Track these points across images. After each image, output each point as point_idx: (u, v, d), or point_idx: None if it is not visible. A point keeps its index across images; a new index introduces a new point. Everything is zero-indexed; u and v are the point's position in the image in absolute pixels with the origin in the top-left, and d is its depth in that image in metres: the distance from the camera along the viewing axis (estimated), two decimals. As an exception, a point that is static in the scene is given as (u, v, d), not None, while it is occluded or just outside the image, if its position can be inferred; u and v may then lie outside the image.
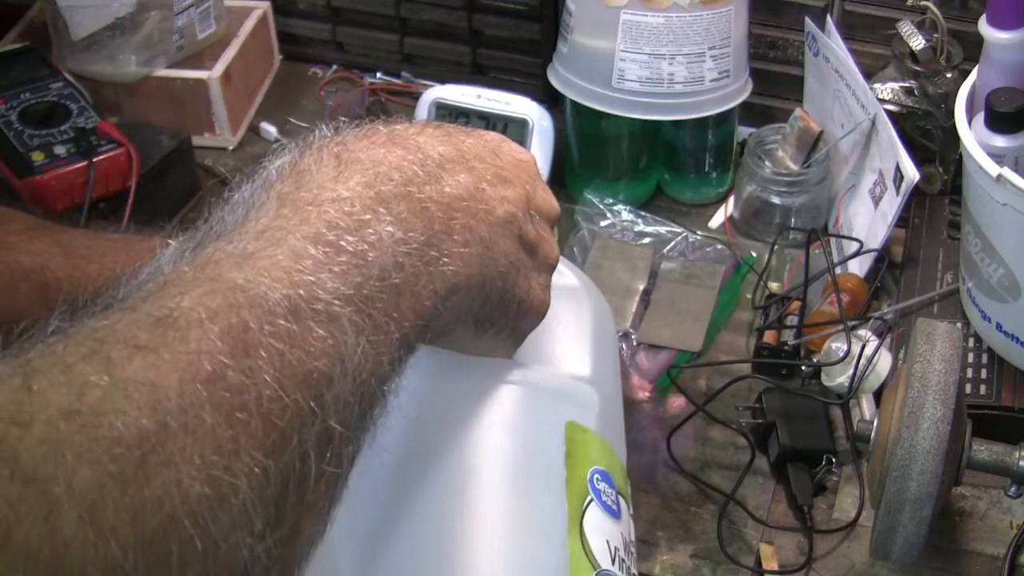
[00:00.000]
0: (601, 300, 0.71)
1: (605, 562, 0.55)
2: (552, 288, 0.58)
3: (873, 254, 0.94)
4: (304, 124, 1.16)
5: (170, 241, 0.73)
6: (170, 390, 0.36)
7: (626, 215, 1.02)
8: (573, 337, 0.65)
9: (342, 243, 0.43)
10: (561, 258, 0.64)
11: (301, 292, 0.41)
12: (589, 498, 0.57)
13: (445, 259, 0.47)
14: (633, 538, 0.62)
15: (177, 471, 0.35)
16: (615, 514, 0.58)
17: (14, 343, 0.37)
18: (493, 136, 0.55)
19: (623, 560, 0.57)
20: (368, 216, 0.45)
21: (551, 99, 1.07)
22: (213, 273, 0.40)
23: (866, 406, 0.86)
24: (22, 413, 0.34)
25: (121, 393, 0.35)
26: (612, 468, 0.60)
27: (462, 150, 0.52)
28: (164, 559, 0.34)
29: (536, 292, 0.56)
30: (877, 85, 0.97)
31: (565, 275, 0.69)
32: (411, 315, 0.45)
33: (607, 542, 0.56)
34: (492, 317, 0.54)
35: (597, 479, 0.58)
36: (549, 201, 0.57)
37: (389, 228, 0.45)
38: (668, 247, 0.99)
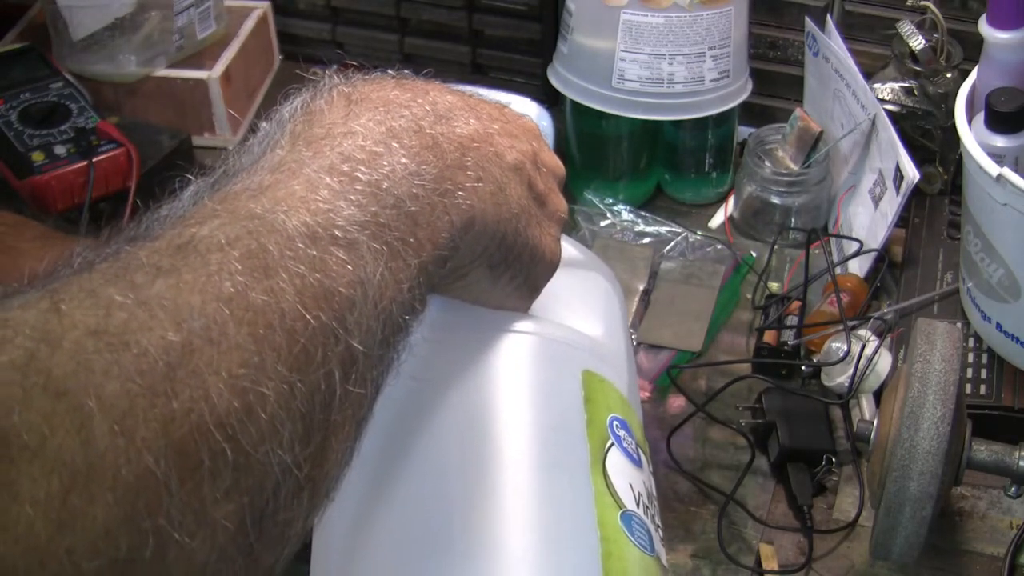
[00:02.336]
0: (609, 272, 0.71)
1: (630, 503, 0.55)
2: (563, 255, 0.59)
3: (873, 254, 0.94)
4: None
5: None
6: (193, 308, 0.36)
7: (626, 215, 1.02)
8: (584, 303, 0.65)
9: (357, 173, 0.44)
10: (565, 236, 0.64)
11: (319, 219, 0.41)
12: (610, 442, 0.56)
13: (460, 192, 0.48)
14: (655, 492, 0.61)
15: (204, 383, 0.35)
16: (636, 462, 0.58)
17: (41, 278, 0.38)
18: (497, 101, 0.56)
19: (647, 507, 0.57)
20: (381, 149, 0.45)
21: (551, 99, 1.07)
22: (231, 205, 0.41)
23: (866, 406, 0.86)
24: (51, 332, 0.34)
25: (146, 312, 0.36)
26: (630, 420, 0.60)
27: (469, 102, 0.53)
28: (195, 468, 0.35)
29: (548, 241, 0.56)
30: (877, 85, 0.97)
31: (570, 250, 0.68)
32: (428, 245, 0.46)
33: (630, 485, 0.56)
34: (507, 259, 0.54)
35: (617, 426, 0.57)
36: (555, 160, 0.58)
37: (403, 160, 0.46)
38: (668, 247, 0.99)
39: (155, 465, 0.34)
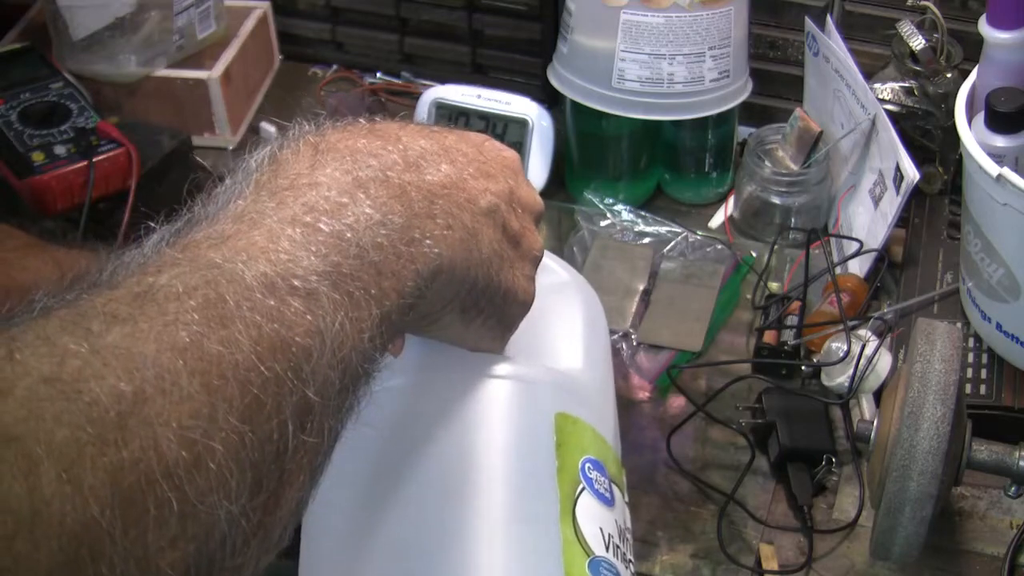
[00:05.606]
0: (592, 294, 0.71)
1: (599, 549, 0.56)
2: (541, 284, 0.59)
3: (873, 254, 0.94)
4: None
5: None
6: (147, 357, 0.37)
7: (626, 215, 1.02)
8: (563, 331, 0.66)
9: (320, 224, 0.44)
10: (551, 255, 0.64)
11: (278, 269, 0.41)
12: (581, 487, 0.57)
13: (427, 241, 0.48)
14: (629, 525, 0.62)
15: (154, 433, 0.36)
16: (608, 502, 0.59)
17: (2, 320, 0.38)
18: (476, 135, 0.56)
19: (617, 546, 0.58)
20: (345, 200, 0.45)
21: (551, 99, 1.07)
22: (192, 254, 0.41)
23: (866, 406, 0.86)
24: (4, 380, 0.35)
25: (100, 360, 0.36)
26: (604, 457, 0.61)
27: (444, 144, 0.52)
28: (141, 517, 0.35)
29: (521, 282, 0.56)
30: (877, 85, 0.97)
31: (554, 271, 0.69)
32: (393, 293, 0.46)
33: (600, 529, 0.57)
34: (479, 304, 0.54)
35: (589, 468, 0.58)
36: (532, 196, 0.57)
37: (368, 210, 0.46)
38: (668, 247, 0.99)
39: (100, 514, 0.34)
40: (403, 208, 0.47)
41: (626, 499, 0.63)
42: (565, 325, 0.66)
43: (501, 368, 0.59)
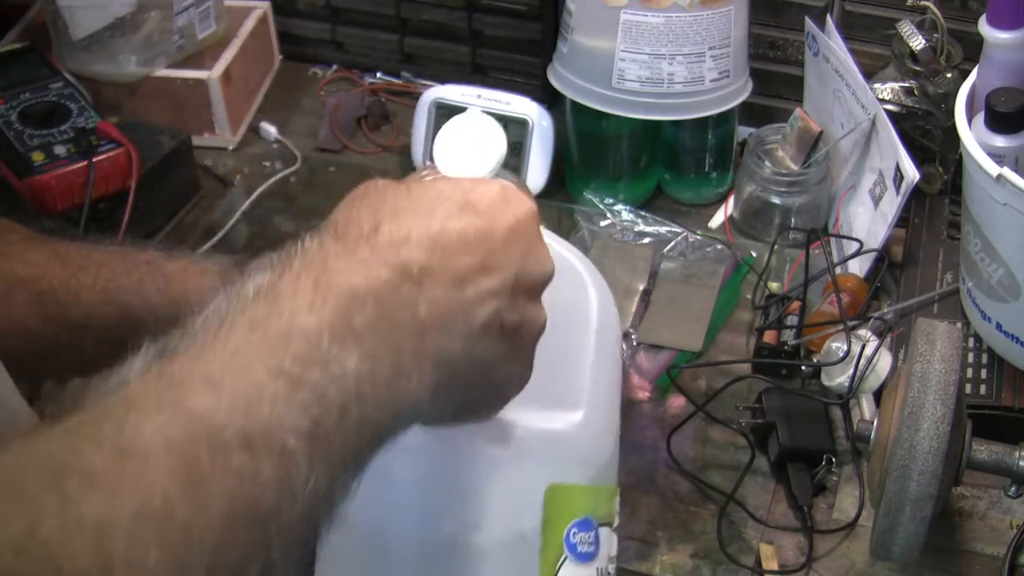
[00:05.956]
0: (606, 298, 0.66)
1: None
2: (550, 301, 0.55)
3: (873, 254, 0.94)
4: (305, 123, 1.17)
5: (158, 252, 0.74)
6: (119, 527, 0.38)
7: (626, 215, 1.02)
8: (568, 368, 0.61)
9: (306, 376, 0.44)
10: (559, 242, 0.62)
11: (258, 427, 0.42)
12: (564, 556, 0.57)
13: (413, 383, 0.47)
14: (614, 552, 0.61)
15: None
16: (591, 556, 0.58)
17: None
18: (491, 196, 0.51)
19: None
20: (335, 350, 0.45)
21: (551, 99, 1.07)
22: (177, 396, 0.42)
23: (866, 406, 0.86)
24: None
25: (73, 529, 0.37)
26: (595, 506, 0.59)
27: (447, 249, 0.49)
28: None
29: (516, 371, 0.54)
30: (877, 85, 0.97)
31: (565, 275, 0.62)
32: (372, 436, 0.46)
33: None
34: (470, 407, 0.53)
35: (574, 533, 0.58)
36: (542, 264, 0.53)
37: (354, 363, 0.45)
38: (668, 247, 0.99)
39: None
40: (392, 358, 0.46)
41: (616, 523, 0.62)
42: (572, 356, 0.61)
43: (491, 440, 0.56)
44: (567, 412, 0.59)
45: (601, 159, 1.05)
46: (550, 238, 0.58)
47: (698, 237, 1.00)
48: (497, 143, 0.57)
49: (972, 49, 0.88)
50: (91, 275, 0.72)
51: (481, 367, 0.51)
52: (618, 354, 0.65)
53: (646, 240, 1.00)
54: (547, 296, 0.53)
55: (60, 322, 0.71)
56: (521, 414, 0.56)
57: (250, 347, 0.44)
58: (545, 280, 0.53)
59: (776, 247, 0.99)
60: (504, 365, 0.52)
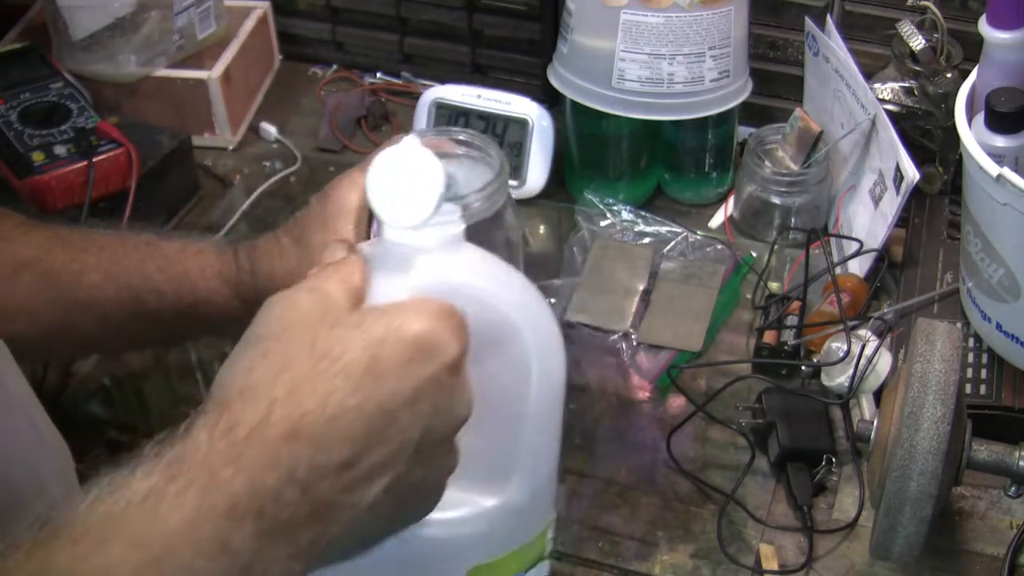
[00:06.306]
0: (547, 340, 0.55)
1: None
2: (481, 367, 0.51)
3: (873, 254, 0.94)
4: (305, 123, 1.17)
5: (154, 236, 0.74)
6: None
7: (626, 215, 1.02)
8: (501, 430, 0.56)
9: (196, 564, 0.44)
10: (511, 276, 0.55)
11: None
12: None
13: (299, 570, 0.47)
14: (546, 572, 0.62)
15: None
16: None
17: None
18: (400, 353, 0.47)
19: None
20: (208, 569, 0.45)
21: (551, 99, 1.07)
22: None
23: (866, 406, 0.86)
24: None
25: None
26: (525, 560, 0.60)
27: (339, 437, 0.46)
28: None
29: (426, 505, 0.52)
30: (877, 85, 0.97)
31: (501, 330, 0.54)
32: None
33: None
34: (391, 531, 0.52)
35: None
36: (454, 415, 0.50)
37: (246, 545, 0.45)
38: (668, 247, 0.99)
39: None
40: (266, 563, 0.46)
41: (549, 550, 0.61)
42: (505, 426, 0.55)
43: (404, 541, 0.53)
44: (496, 488, 0.56)
45: (601, 159, 1.05)
46: (474, 275, 0.53)
47: (698, 237, 1.00)
48: (435, 178, 0.49)
49: (972, 49, 0.88)
50: (93, 256, 0.72)
51: (378, 527, 0.50)
52: (561, 397, 0.57)
53: (646, 240, 1.00)
54: (476, 361, 0.50)
55: (63, 303, 0.72)
56: (446, 495, 0.53)
57: (125, 562, 0.43)
58: (459, 422, 0.50)
59: (776, 247, 0.99)
60: (413, 498, 0.51)
